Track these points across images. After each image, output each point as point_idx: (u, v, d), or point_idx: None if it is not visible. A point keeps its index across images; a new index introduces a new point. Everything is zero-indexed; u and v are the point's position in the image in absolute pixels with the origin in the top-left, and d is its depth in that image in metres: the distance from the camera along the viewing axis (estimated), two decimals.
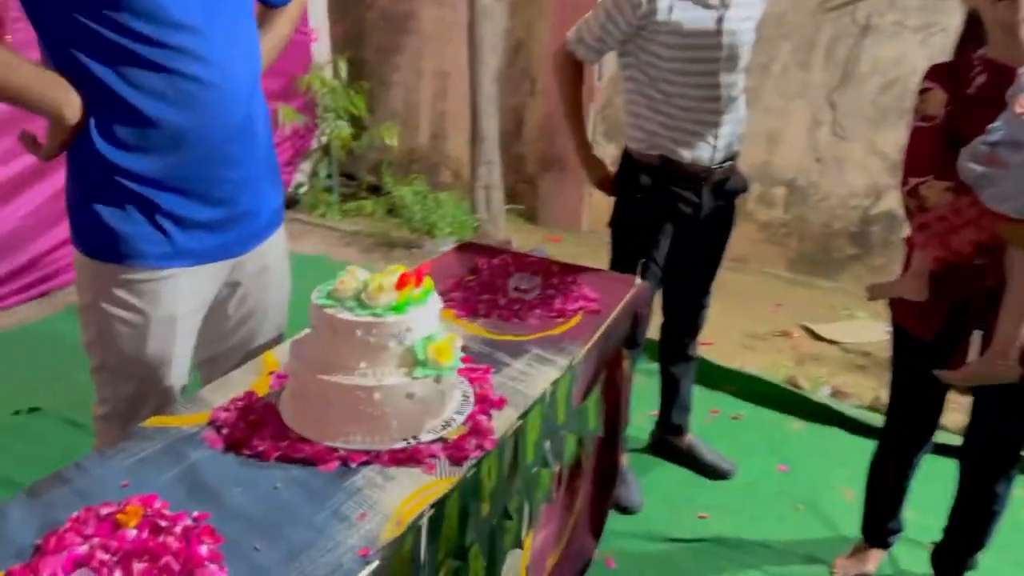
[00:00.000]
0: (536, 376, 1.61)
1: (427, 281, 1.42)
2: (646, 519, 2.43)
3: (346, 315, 1.34)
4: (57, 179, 2.66)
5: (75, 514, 1.14)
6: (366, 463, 1.31)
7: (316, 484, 1.26)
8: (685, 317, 2.57)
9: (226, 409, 1.41)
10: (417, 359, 1.35)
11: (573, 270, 2.10)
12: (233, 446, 1.33)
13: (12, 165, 3.11)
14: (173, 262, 1.50)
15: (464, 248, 2.23)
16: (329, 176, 4.70)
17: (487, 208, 4.28)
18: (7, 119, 2.73)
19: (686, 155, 2.28)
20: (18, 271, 3.29)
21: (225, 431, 1.36)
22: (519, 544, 1.66)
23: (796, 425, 2.98)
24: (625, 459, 2.57)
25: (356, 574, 1.09)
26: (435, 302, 1.41)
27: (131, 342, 1.50)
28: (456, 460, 1.33)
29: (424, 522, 1.20)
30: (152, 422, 1.39)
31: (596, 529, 2.23)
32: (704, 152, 2.29)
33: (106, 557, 1.07)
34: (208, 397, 1.47)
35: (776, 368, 3.33)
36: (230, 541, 1.13)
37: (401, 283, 1.36)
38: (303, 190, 4.59)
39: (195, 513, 1.18)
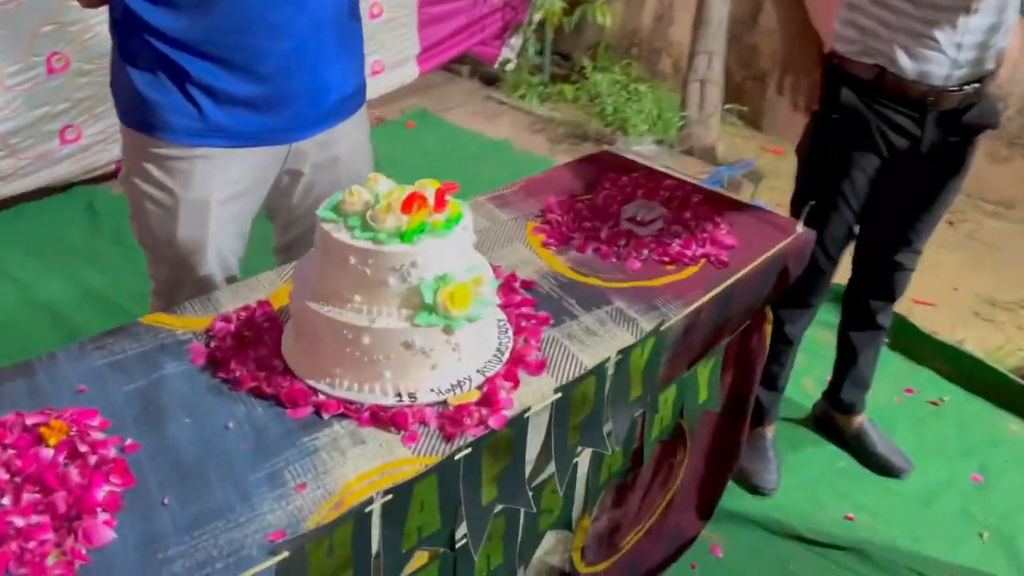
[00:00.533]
0: (605, 338, 1.28)
1: (454, 206, 1.12)
2: (777, 506, 2.05)
3: (342, 235, 1.09)
4: None
5: (3, 417, 1.03)
6: (342, 415, 1.09)
7: (272, 432, 1.06)
8: (878, 277, 2.05)
9: (227, 319, 1.24)
10: (424, 302, 1.08)
11: (721, 203, 1.68)
12: (212, 364, 1.16)
13: None
14: (206, 140, 1.32)
15: (596, 158, 1.88)
16: (539, 53, 4.38)
17: (699, 106, 3.78)
18: None
19: (910, 68, 1.72)
20: None
21: (213, 344, 1.19)
22: (567, 526, 1.39)
23: (1013, 427, 2.38)
24: (771, 431, 2.17)
25: (254, 564, 0.88)
26: (462, 235, 1.12)
27: (160, 223, 1.36)
28: (448, 434, 1.07)
29: (376, 508, 0.97)
30: (150, 319, 1.25)
31: (704, 508, 1.89)
32: (938, 67, 1.71)
33: (4, 477, 0.95)
34: (223, 299, 1.31)
35: (1009, 349, 2.67)
36: (141, 486, 0.96)
37: (407, 205, 1.07)
38: (509, 67, 4.32)
39: (128, 441, 1.02)
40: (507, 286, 1.36)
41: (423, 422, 1.08)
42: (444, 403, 1.11)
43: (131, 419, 1.06)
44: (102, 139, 3.06)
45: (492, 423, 1.08)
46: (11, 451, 0.98)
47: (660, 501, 1.72)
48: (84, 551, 0.88)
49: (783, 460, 2.15)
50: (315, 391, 1.11)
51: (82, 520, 0.91)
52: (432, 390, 1.12)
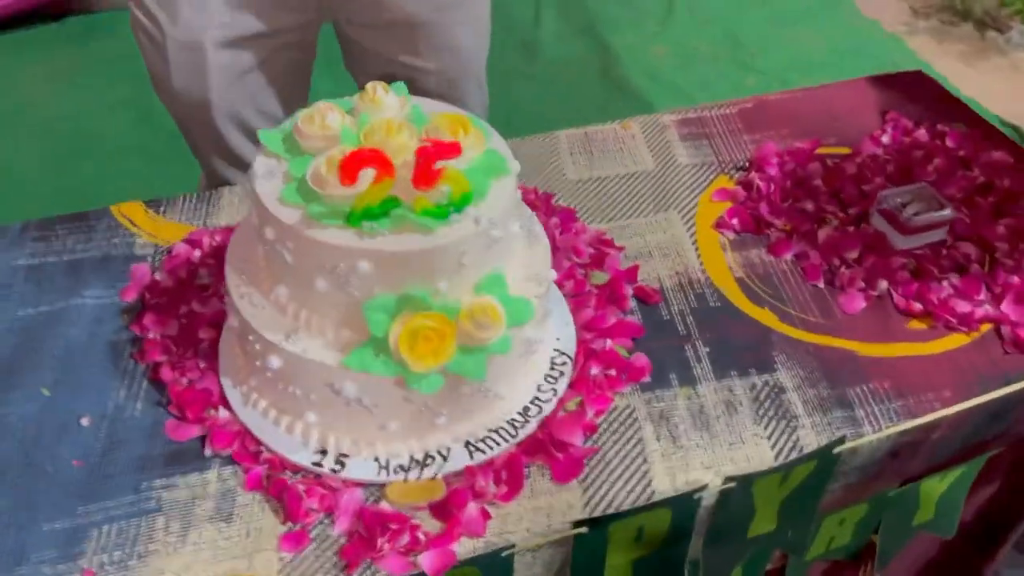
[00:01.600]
0: (721, 438, 0.73)
1: (458, 180, 0.62)
2: None
3: (267, 189, 0.65)
4: None
5: None
6: (229, 460, 0.70)
7: (126, 452, 0.70)
8: None
9: (195, 241, 0.88)
10: (371, 334, 0.63)
11: None
12: (134, 310, 0.82)
13: None
14: None
15: (900, 82, 1.15)
16: None
17: None
18: None
19: None
20: None
21: (157, 276, 0.85)
22: None
23: None
24: None
25: None
26: (466, 231, 0.62)
27: (154, 65, 1.01)
28: (348, 559, 0.64)
29: None
30: (126, 210, 0.93)
31: None
32: None
33: None
34: (225, 200, 0.95)
35: None
36: None
37: (348, 171, 0.59)
38: None
39: None
40: (610, 291, 0.84)
41: (330, 514, 0.66)
42: (381, 489, 0.68)
43: None
44: None
45: (425, 564, 0.63)
46: None
47: None
48: None
49: None
50: (222, 402, 0.73)
51: None
52: (376, 459, 0.69)
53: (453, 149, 0.60)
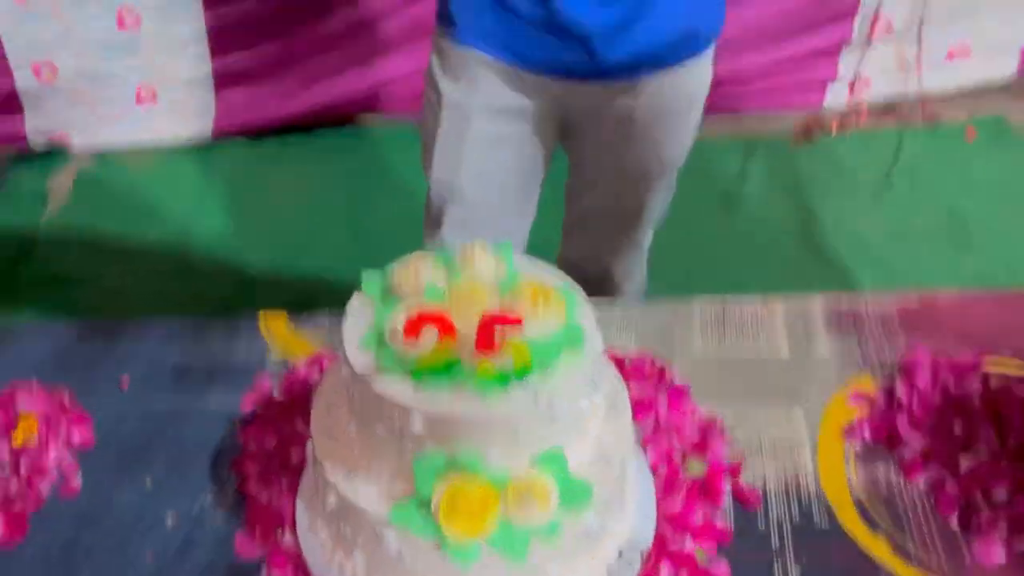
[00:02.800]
0: None
1: (519, 347, 0.61)
2: None
3: (350, 330, 0.68)
4: None
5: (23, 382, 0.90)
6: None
7: (192, 561, 0.74)
8: None
9: (313, 361, 0.93)
10: (419, 493, 0.63)
11: None
12: (248, 420, 0.88)
13: None
14: (471, 40, 1.06)
15: None
16: None
17: None
18: None
19: None
20: None
21: (275, 392, 0.90)
22: None
23: None
24: None
25: None
26: (524, 402, 0.61)
27: (428, 128, 1.13)
28: None
29: None
30: (271, 321, 1.00)
31: None
32: None
33: None
34: None
35: None
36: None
37: (413, 327, 0.61)
38: None
39: (75, 481, 0.81)
40: (704, 484, 0.78)
41: None
42: None
43: (115, 452, 0.85)
44: None
45: None
46: None
47: None
48: None
49: None
50: (291, 524, 0.75)
51: None
52: None
53: (514, 322, 0.60)
